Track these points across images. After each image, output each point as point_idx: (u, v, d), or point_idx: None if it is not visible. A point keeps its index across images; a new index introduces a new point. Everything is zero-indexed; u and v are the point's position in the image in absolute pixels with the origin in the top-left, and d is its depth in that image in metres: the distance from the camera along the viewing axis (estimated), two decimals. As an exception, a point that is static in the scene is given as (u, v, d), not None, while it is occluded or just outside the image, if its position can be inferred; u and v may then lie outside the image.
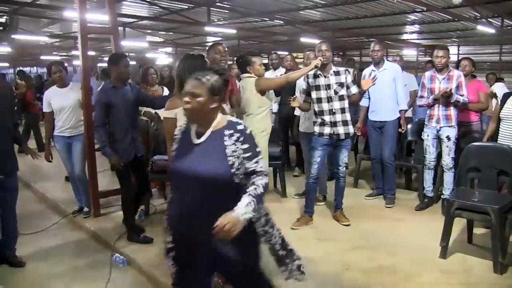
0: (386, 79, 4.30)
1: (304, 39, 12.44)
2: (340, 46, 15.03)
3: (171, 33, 13.29)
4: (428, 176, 4.40)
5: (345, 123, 3.77)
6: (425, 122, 4.33)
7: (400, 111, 4.37)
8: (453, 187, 4.12)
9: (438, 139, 4.26)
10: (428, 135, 4.29)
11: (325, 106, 3.77)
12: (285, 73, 5.13)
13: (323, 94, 3.77)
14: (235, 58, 5.51)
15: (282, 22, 11.09)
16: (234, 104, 3.71)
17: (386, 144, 4.39)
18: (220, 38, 14.61)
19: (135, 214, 3.86)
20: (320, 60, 3.65)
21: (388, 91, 4.33)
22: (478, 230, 3.72)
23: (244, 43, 15.65)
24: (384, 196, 4.54)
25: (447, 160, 4.18)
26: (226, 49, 3.41)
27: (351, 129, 3.80)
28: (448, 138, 4.16)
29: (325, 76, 3.76)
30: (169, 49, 17.95)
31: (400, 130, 4.36)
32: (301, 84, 4.07)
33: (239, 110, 3.77)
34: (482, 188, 3.44)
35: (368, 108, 4.51)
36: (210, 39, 14.75)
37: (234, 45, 14.65)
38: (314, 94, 3.81)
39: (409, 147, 5.08)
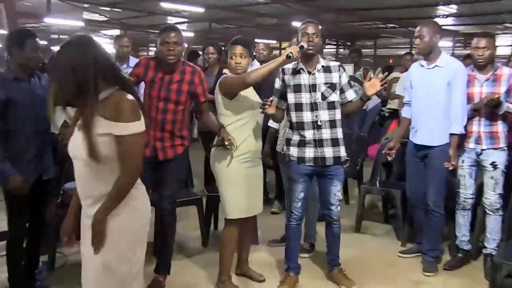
0: (438, 82, 4.11)
1: (297, 23, 12.29)
2: (346, 33, 15.07)
3: (117, 9, 13.27)
4: (463, 220, 4.34)
5: (335, 142, 3.72)
6: (459, 142, 4.24)
7: (450, 134, 4.14)
8: (500, 238, 4.10)
9: (478, 167, 4.24)
10: (463, 161, 4.25)
11: (307, 116, 3.69)
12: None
13: (304, 98, 3.68)
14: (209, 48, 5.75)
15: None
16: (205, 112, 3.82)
17: (431, 181, 4.19)
18: (184, 20, 14.53)
19: (35, 269, 3.82)
20: (299, 47, 3.49)
21: (438, 99, 4.12)
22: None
23: (217, 27, 15.70)
24: (422, 257, 4.41)
25: (492, 197, 4.16)
26: (179, 36, 3.55)
27: (342, 152, 3.74)
28: (494, 165, 4.14)
29: (309, 73, 3.69)
30: (115, 32, 17.77)
31: (446, 164, 4.09)
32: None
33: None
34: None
35: (410, 121, 4.36)
36: (171, 20, 14.68)
37: (204, 29, 14.60)
38: (291, 98, 3.72)
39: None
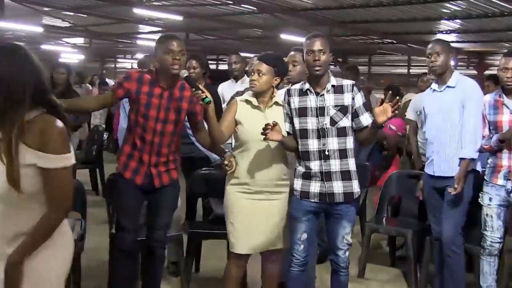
0: (452, 104, 4.14)
1: (286, 36, 12.39)
2: (340, 49, 14.97)
3: (82, 15, 13.11)
4: (489, 268, 4.25)
5: (346, 175, 3.62)
6: (486, 178, 4.27)
7: (460, 159, 4.11)
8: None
9: (508, 207, 4.20)
10: (490, 199, 4.20)
11: (313, 144, 3.61)
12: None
13: (310, 123, 3.61)
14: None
15: (255, 8, 11.07)
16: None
17: (447, 215, 4.18)
18: (158, 29, 14.43)
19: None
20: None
21: (454, 123, 4.16)
22: None
23: (196, 38, 15.64)
24: None
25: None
26: (184, 45, 3.58)
27: (355, 187, 3.64)
28: (528, 205, 4.18)
29: (317, 93, 3.59)
30: (79, 40, 17.59)
31: (450, 190, 4.07)
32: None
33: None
34: None
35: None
36: (144, 29, 14.58)
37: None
38: (296, 124, 3.67)
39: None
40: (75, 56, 20.24)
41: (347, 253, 3.70)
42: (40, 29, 13.15)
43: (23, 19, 12.05)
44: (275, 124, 3.40)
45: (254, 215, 3.69)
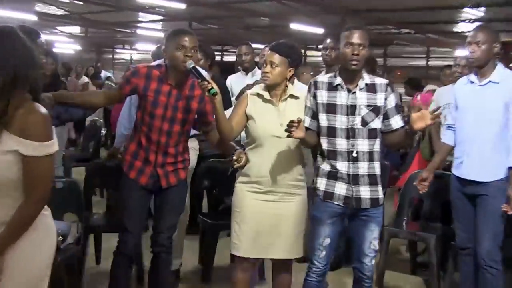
0: (493, 102, 4.03)
1: (296, 26, 12.32)
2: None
3: (78, 2, 13.15)
4: None
5: (373, 180, 3.63)
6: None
7: (509, 168, 4.02)
8: None
9: None
10: None
11: (342, 144, 3.61)
12: None
13: (339, 122, 3.60)
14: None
15: None
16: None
17: (484, 228, 4.06)
18: (159, 18, 14.39)
19: None
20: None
21: (493, 124, 4.04)
22: None
23: (199, 28, 15.67)
24: None
25: None
26: (197, 41, 3.59)
27: (380, 193, 3.67)
28: None
29: (349, 91, 3.57)
30: (75, 29, 17.60)
31: (504, 208, 3.95)
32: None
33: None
34: None
35: (452, 149, 4.32)
36: (145, 17, 14.57)
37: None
38: (323, 120, 3.63)
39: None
40: (70, 46, 20.25)
41: (373, 261, 3.68)
42: (33, 17, 13.08)
43: (15, 6, 12.00)
44: (299, 121, 3.37)
45: (264, 217, 3.66)
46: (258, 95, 3.65)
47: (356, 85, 3.56)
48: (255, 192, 3.67)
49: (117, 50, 26.72)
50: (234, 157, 3.57)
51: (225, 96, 5.27)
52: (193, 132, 4.15)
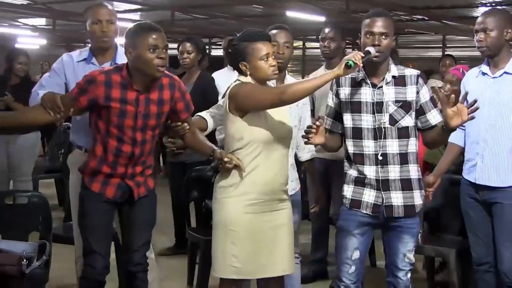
0: (508, 96, 4.09)
1: (292, 14, 12.34)
2: (357, 28, 14.98)
3: None
4: None
5: (407, 185, 3.68)
6: None
7: None
8: None
9: None
10: None
11: (369, 146, 3.68)
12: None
13: (366, 121, 3.67)
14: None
15: None
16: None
17: (503, 238, 4.12)
18: (137, 7, 14.42)
19: None
20: (364, 53, 3.46)
21: (509, 122, 4.11)
22: None
23: (182, 18, 15.71)
24: None
25: None
26: (166, 40, 3.56)
27: (417, 198, 3.71)
28: None
29: (374, 86, 3.64)
30: (40, 21, 17.58)
31: None
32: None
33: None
34: None
35: (461, 150, 4.39)
36: (119, 6, 14.59)
37: (164, 20, 14.48)
38: (348, 120, 3.73)
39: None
40: (36, 40, 20.13)
41: (408, 275, 3.74)
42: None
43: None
44: (319, 125, 3.42)
45: (262, 232, 3.68)
46: None
47: (383, 79, 3.60)
48: (250, 205, 3.65)
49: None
50: (226, 159, 3.54)
51: (212, 96, 5.31)
52: None
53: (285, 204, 3.73)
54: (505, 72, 4.06)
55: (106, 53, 4.12)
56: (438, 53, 18.31)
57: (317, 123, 3.45)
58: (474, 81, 4.20)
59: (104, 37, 4.03)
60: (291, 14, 12.41)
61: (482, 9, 13.55)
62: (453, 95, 3.82)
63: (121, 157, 3.64)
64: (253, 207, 3.64)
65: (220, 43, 20.35)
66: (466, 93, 3.64)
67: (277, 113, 3.66)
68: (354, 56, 3.35)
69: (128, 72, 3.56)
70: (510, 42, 4.10)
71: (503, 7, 13.13)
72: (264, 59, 3.53)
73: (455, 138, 4.30)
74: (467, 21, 14.51)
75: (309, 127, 3.45)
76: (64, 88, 4.07)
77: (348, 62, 3.34)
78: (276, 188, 3.70)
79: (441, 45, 18.27)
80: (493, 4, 12.85)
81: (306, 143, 3.52)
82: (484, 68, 4.15)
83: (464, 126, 4.19)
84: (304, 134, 3.47)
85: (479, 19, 4.11)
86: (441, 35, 17.59)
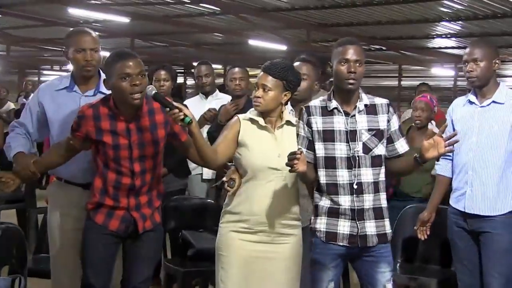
0: (498, 125, 4.11)
1: (255, 42, 12.38)
2: (318, 56, 15.16)
3: None
4: None
5: (378, 213, 3.65)
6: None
7: None
8: None
9: None
10: None
11: (343, 176, 3.64)
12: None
13: (339, 150, 3.64)
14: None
15: (218, 8, 11.15)
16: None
17: (491, 269, 4.07)
18: (97, 33, 14.30)
19: None
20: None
21: (498, 150, 4.10)
22: None
23: (142, 45, 15.62)
24: None
25: None
26: (142, 66, 3.48)
27: (388, 227, 3.69)
28: None
29: (346, 114, 3.61)
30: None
31: None
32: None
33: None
34: None
35: (450, 181, 4.34)
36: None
37: (124, 46, 14.42)
38: (320, 150, 3.68)
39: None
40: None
41: None
42: None
43: None
44: (301, 152, 3.36)
45: (254, 261, 3.65)
46: (252, 120, 3.65)
47: (355, 107, 3.59)
48: (244, 232, 3.65)
49: (45, 72, 26.41)
50: (225, 179, 3.52)
51: None
52: None
53: (288, 238, 3.67)
54: (493, 101, 4.08)
55: (90, 81, 3.98)
56: (394, 82, 18.67)
57: (300, 150, 3.41)
58: (461, 110, 4.20)
59: (88, 66, 3.88)
60: (252, 42, 12.51)
61: (438, 40, 13.90)
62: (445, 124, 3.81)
63: (121, 190, 3.58)
64: (247, 235, 3.64)
65: (180, 70, 20.33)
66: (445, 126, 3.65)
67: (263, 143, 3.64)
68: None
69: (114, 102, 3.51)
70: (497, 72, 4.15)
71: (458, 39, 13.52)
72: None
73: (443, 169, 4.33)
74: (423, 52, 14.82)
75: (293, 153, 3.37)
76: (41, 119, 3.96)
77: (185, 118, 3.33)
78: (274, 221, 3.66)
79: (397, 75, 18.64)
80: (448, 36, 13.14)
81: (290, 171, 3.43)
82: (471, 97, 4.16)
83: (450, 156, 4.21)
84: (287, 162, 3.39)
85: (468, 50, 4.13)
86: (398, 64, 17.94)
